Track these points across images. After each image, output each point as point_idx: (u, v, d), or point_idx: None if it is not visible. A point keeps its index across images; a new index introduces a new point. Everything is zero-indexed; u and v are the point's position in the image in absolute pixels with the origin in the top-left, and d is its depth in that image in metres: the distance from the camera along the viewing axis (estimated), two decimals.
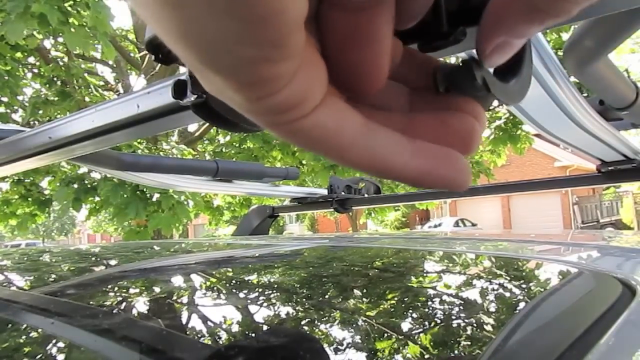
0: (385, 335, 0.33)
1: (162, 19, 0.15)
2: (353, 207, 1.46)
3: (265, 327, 0.36)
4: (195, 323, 0.38)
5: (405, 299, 0.43)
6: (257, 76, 0.16)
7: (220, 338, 0.34)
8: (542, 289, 0.47)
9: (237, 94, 0.17)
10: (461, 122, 0.21)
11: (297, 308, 0.41)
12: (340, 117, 0.18)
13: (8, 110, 5.29)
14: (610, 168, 0.97)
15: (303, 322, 0.36)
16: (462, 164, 0.21)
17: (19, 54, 4.96)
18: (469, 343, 0.31)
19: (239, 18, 0.14)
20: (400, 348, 0.31)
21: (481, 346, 0.30)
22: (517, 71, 0.23)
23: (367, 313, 0.38)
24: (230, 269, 0.65)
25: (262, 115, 0.18)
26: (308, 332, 0.34)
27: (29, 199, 5.04)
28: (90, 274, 0.63)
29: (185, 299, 0.45)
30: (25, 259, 0.83)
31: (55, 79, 5.22)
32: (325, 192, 1.46)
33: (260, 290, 0.48)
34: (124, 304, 0.43)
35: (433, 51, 0.22)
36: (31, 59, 5.49)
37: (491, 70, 0.22)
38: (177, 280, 0.56)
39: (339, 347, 0.30)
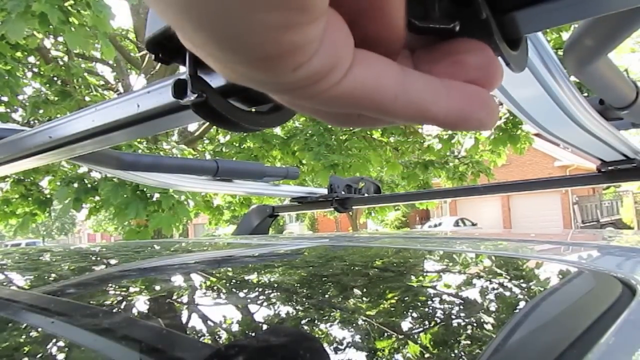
0: (385, 335, 0.33)
1: (180, 4, 0.14)
2: (353, 207, 1.46)
3: (265, 327, 0.36)
4: (196, 323, 0.38)
5: (405, 299, 0.43)
6: (286, 46, 0.15)
7: (220, 338, 0.34)
8: (542, 289, 0.47)
9: (267, 73, 0.16)
10: (477, 57, 0.21)
11: (297, 308, 0.41)
12: (377, 71, 0.18)
13: (8, 110, 5.29)
14: (610, 168, 0.97)
15: (303, 322, 0.36)
16: (492, 101, 0.20)
17: (19, 54, 4.96)
18: (469, 343, 0.31)
19: None
20: (400, 348, 0.31)
21: (481, 346, 0.30)
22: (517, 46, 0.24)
23: (367, 313, 0.38)
24: (230, 269, 0.65)
25: (300, 90, 0.17)
26: (308, 332, 0.34)
27: (29, 199, 5.04)
28: (90, 274, 0.63)
29: (185, 299, 0.45)
30: (26, 258, 0.83)
31: (55, 78, 5.22)
32: (325, 191, 1.46)
33: (260, 289, 0.48)
34: (124, 303, 0.43)
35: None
36: (31, 59, 5.48)
37: None
38: (178, 280, 0.56)
39: (339, 347, 0.30)
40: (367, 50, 0.18)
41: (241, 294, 0.47)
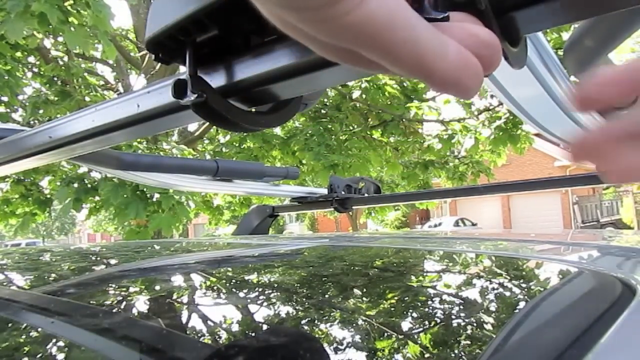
0: (385, 335, 0.33)
1: None
2: (353, 207, 1.46)
3: (265, 327, 0.36)
4: (196, 323, 0.38)
5: (405, 299, 0.43)
6: None
7: (220, 338, 0.34)
8: (542, 289, 0.47)
9: None
10: (489, 35, 0.20)
11: (297, 308, 0.41)
12: (391, 9, 0.17)
13: (8, 110, 5.29)
14: None
15: (303, 322, 0.36)
16: (482, 73, 0.20)
17: (19, 54, 4.96)
18: (469, 343, 0.31)
19: None
20: (400, 348, 0.31)
21: (481, 346, 0.30)
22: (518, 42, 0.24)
23: (367, 313, 0.38)
24: (230, 269, 0.65)
25: (315, 11, 0.16)
26: (308, 332, 0.34)
27: (29, 199, 5.04)
28: (90, 274, 0.63)
29: (185, 299, 0.45)
30: (26, 258, 0.83)
31: (55, 78, 5.22)
32: (325, 191, 1.46)
33: (260, 289, 0.48)
34: (124, 303, 0.43)
35: None
36: (31, 59, 5.48)
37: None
38: (178, 280, 0.56)
39: (339, 347, 0.30)
40: None
41: (241, 294, 0.47)
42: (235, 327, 0.36)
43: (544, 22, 0.23)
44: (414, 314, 0.38)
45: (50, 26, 3.28)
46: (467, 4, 0.21)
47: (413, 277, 0.55)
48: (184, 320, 0.39)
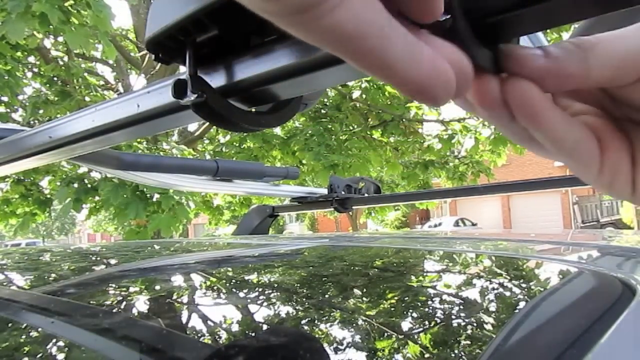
0: (385, 335, 0.33)
1: None
2: (353, 207, 1.46)
3: (265, 327, 0.36)
4: (196, 323, 0.38)
5: (405, 299, 0.43)
6: None
7: (220, 338, 0.34)
8: (542, 289, 0.47)
9: None
10: (455, 52, 0.20)
11: (297, 308, 0.41)
12: (362, 18, 0.17)
13: (8, 110, 5.29)
14: None
15: (303, 322, 0.36)
16: (453, 80, 0.20)
17: (19, 54, 4.96)
18: (469, 343, 0.31)
19: None
20: (400, 348, 0.31)
21: (481, 346, 0.30)
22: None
23: (367, 313, 0.38)
24: (230, 269, 0.65)
25: (279, 16, 0.17)
26: (308, 332, 0.34)
27: (29, 199, 5.04)
28: (90, 274, 0.63)
29: (185, 299, 0.45)
30: (26, 258, 0.83)
31: (55, 78, 5.22)
32: (325, 191, 1.46)
33: (260, 289, 0.48)
34: (124, 303, 0.43)
35: None
36: (31, 59, 5.48)
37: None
38: (178, 280, 0.56)
39: (339, 347, 0.30)
40: None
41: (241, 294, 0.47)
42: (235, 327, 0.36)
43: (543, 22, 0.23)
44: (414, 314, 0.38)
45: (51, 26, 3.28)
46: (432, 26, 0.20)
47: (413, 277, 0.55)
48: (184, 320, 0.39)
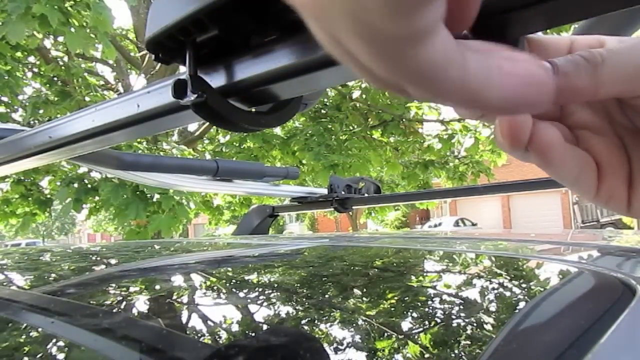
0: (385, 335, 0.33)
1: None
2: (353, 207, 1.46)
3: (265, 327, 0.36)
4: (196, 323, 0.38)
5: (405, 299, 0.43)
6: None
7: (220, 338, 0.34)
8: (542, 289, 0.47)
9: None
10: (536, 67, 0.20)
11: (297, 308, 0.41)
12: (448, 50, 0.16)
13: (8, 110, 5.28)
14: None
15: (303, 322, 0.36)
16: (549, 86, 0.19)
17: (19, 54, 4.96)
18: (469, 343, 0.31)
19: None
20: (400, 348, 0.31)
21: (481, 346, 0.30)
22: None
23: (367, 313, 0.38)
24: (230, 269, 0.65)
25: (385, 46, 0.15)
26: (308, 332, 0.34)
27: (29, 199, 5.04)
28: (90, 274, 0.63)
29: (185, 299, 0.45)
30: (26, 258, 0.83)
31: (55, 78, 5.21)
32: (325, 191, 1.46)
33: (260, 289, 0.48)
34: (124, 303, 0.43)
35: None
36: (31, 59, 5.48)
37: None
38: (178, 280, 0.56)
39: (339, 347, 0.30)
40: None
41: (241, 294, 0.47)
42: (235, 327, 0.36)
43: (543, 22, 0.23)
44: (414, 314, 0.38)
45: (51, 27, 3.28)
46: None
47: (413, 277, 0.55)
48: (184, 320, 0.39)
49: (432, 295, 0.44)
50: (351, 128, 6.45)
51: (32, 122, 4.85)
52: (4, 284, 0.60)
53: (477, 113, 0.26)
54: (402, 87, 0.18)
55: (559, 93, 0.23)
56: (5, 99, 4.88)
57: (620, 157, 0.26)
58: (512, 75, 0.18)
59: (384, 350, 0.30)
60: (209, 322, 0.38)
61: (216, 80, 0.31)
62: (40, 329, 0.37)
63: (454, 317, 0.37)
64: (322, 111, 6.36)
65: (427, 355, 0.30)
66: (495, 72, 0.18)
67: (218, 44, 0.30)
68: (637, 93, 0.24)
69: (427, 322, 0.36)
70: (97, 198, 4.46)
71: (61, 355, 0.32)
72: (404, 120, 6.38)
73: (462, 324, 0.35)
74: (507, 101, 0.18)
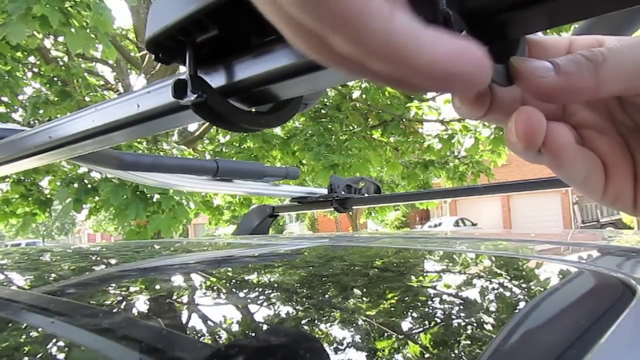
0: (385, 335, 0.33)
1: None
2: (353, 207, 1.46)
3: (265, 327, 0.36)
4: (196, 323, 0.38)
5: (405, 299, 0.43)
6: None
7: (220, 338, 0.34)
8: (542, 289, 0.47)
9: None
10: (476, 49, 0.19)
11: (297, 308, 0.41)
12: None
13: (8, 110, 5.28)
14: None
15: (303, 322, 0.36)
16: (484, 62, 0.19)
17: (19, 54, 4.96)
18: (469, 343, 0.31)
19: None
20: (400, 348, 0.31)
21: (481, 346, 0.30)
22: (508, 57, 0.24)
23: (367, 313, 0.38)
24: (230, 269, 0.65)
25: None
26: (308, 332, 0.34)
27: (29, 199, 5.04)
28: (90, 274, 0.63)
29: (185, 299, 0.45)
30: (26, 258, 0.83)
31: (55, 78, 5.22)
32: (325, 191, 1.46)
33: (260, 289, 0.48)
34: (124, 303, 0.43)
35: None
36: (31, 59, 5.48)
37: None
38: (178, 280, 0.56)
39: (339, 347, 0.30)
40: None
41: (241, 294, 0.47)
42: (235, 327, 0.36)
43: (543, 22, 0.23)
44: (414, 314, 0.38)
45: (52, 28, 3.28)
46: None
47: (413, 277, 0.55)
48: (184, 320, 0.39)
49: (432, 295, 0.44)
50: (351, 128, 6.45)
51: (32, 122, 4.85)
52: (4, 284, 0.60)
53: (479, 112, 0.26)
54: (327, 38, 0.18)
55: (562, 92, 0.23)
56: (5, 99, 4.88)
57: (624, 156, 0.26)
58: (443, 43, 0.18)
59: (384, 350, 0.30)
60: (209, 322, 0.38)
61: (216, 80, 0.31)
62: (40, 329, 0.37)
63: (454, 317, 0.37)
64: (322, 111, 6.36)
65: (427, 355, 0.30)
66: (425, 35, 0.18)
67: (218, 44, 0.30)
68: (637, 91, 0.24)
69: (427, 322, 0.36)
70: (97, 198, 4.45)
71: (61, 355, 0.32)
72: (404, 120, 6.38)
73: (462, 324, 0.35)
74: (437, 68, 0.18)
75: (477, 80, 0.19)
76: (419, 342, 0.32)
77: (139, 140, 4.28)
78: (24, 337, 0.36)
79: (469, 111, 0.26)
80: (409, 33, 0.17)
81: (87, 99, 4.83)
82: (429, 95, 6.33)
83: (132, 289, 0.50)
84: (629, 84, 0.23)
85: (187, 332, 0.35)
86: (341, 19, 0.16)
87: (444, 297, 0.44)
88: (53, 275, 0.63)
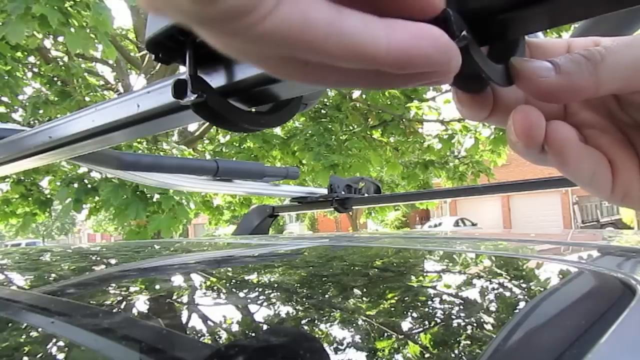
0: (385, 335, 0.33)
1: None
2: (353, 207, 1.46)
3: (265, 327, 0.36)
4: (196, 323, 0.38)
5: (405, 299, 0.43)
6: None
7: (220, 338, 0.34)
8: (542, 289, 0.47)
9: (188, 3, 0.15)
10: (441, 34, 0.19)
11: (297, 308, 0.41)
12: (305, 8, 0.16)
13: (8, 110, 5.28)
14: None
15: (303, 322, 0.36)
16: (444, 38, 0.18)
17: (19, 54, 4.96)
18: (469, 343, 0.31)
19: None
20: (400, 348, 0.31)
21: (481, 346, 0.30)
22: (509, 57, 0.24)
23: (367, 313, 0.38)
24: (230, 269, 0.65)
25: (222, 24, 0.16)
26: (308, 332, 0.34)
27: (30, 199, 5.04)
28: (90, 274, 0.63)
29: (185, 299, 0.45)
30: (26, 258, 0.83)
31: (55, 78, 5.22)
32: (325, 191, 1.46)
33: (260, 289, 0.48)
34: (124, 303, 0.43)
35: None
36: (31, 59, 5.48)
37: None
38: (178, 280, 0.56)
39: (339, 347, 0.30)
40: None
41: (241, 294, 0.47)
42: (235, 327, 0.36)
43: (542, 22, 0.23)
44: (414, 314, 0.38)
45: (51, 28, 3.28)
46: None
47: (413, 277, 0.55)
48: (184, 320, 0.39)
49: (432, 295, 0.44)
50: (351, 128, 6.45)
51: (32, 122, 4.84)
52: (4, 284, 0.60)
53: (482, 114, 0.26)
54: (291, 61, 0.18)
55: (562, 91, 0.23)
56: (5, 99, 4.88)
57: (629, 152, 0.26)
58: (396, 27, 0.18)
59: (384, 350, 0.30)
60: (209, 322, 0.38)
61: (216, 80, 0.31)
62: (40, 329, 0.37)
63: (454, 317, 0.37)
64: (322, 111, 6.36)
65: (427, 355, 0.30)
66: (378, 25, 0.18)
67: None
68: (635, 88, 0.24)
69: (427, 322, 0.36)
70: (97, 198, 4.45)
71: (61, 355, 0.32)
72: (404, 120, 6.38)
73: (462, 324, 0.35)
74: (396, 53, 0.18)
75: (442, 62, 0.19)
76: (419, 342, 0.32)
77: (139, 140, 4.28)
78: (24, 337, 0.36)
79: (471, 113, 0.26)
80: (362, 27, 0.17)
81: (87, 99, 4.83)
82: (429, 95, 6.33)
83: (132, 289, 0.50)
84: (626, 82, 0.23)
85: (187, 332, 0.35)
86: (288, 39, 0.16)
87: (444, 297, 0.44)
88: (53, 275, 0.63)
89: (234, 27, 0.16)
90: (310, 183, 6.26)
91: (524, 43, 0.26)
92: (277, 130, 6.32)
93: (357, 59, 0.18)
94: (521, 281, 0.51)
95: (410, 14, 0.19)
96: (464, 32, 0.20)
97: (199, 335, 0.34)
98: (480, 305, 0.40)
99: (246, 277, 0.57)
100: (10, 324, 0.39)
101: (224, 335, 0.35)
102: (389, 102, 6.24)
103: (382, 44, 0.18)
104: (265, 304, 0.41)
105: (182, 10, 0.15)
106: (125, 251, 0.86)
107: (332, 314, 0.38)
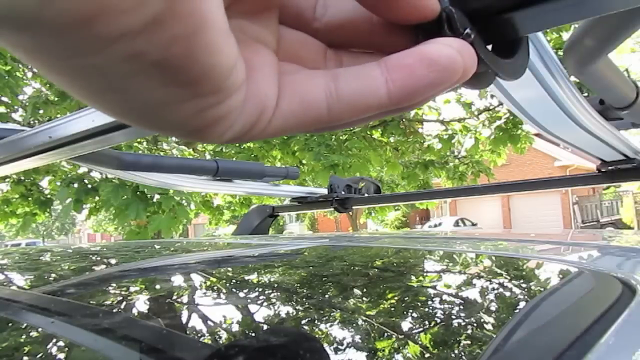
0: (385, 335, 0.33)
1: (105, 101, 0.15)
2: (353, 207, 1.46)
3: (265, 327, 0.36)
4: (196, 323, 0.38)
5: (405, 299, 0.43)
6: (209, 119, 0.15)
7: (220, 338, 0.34)
8: (542, 289, 0.47)
9: (201, 138, 0.16)
10: (446, 55, 0.18)
11: (297, 308, 0.41)
12: (303, 94, 0.17)
13: (8, 110, 5.29)
14: (610, 168, 0.97)
15: (303, 322, 0.36)
16: (444, 57, 0.18)
17: None
18: (469, 343, 0.31)
19: (176, 83, 0.13)
20: (400, 348, 0.31)
21: (481, 346, 0.30)
22: (514, 52, 0.24)
23: (367, 313, 0.38)
24: (230, 269, 0.65)
25: (237, 139, 0.17)
26: (308, 332, 0.34)
27: (30, 199, 5.04)
28: (90, 274, 0.63)
29: (185, 299, 0.45)
30: (26, 258, 0.83)
31: None
32: (325, 191, 1.46)
33: (260, 289, 0.48)
34: (124, 303, 0.43)
35: None
36: None
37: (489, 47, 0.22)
38: (178, 280, 0.56)
39: (339, 347, 0.30)
40: (287, 74, 0.17)
41: (241, 294, 0.47)
42: (235, 327, 0.36)
43: (543, 22, 0.23)
44: (414, 314, 0.38)
45: None
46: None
47: (413, 277, 0.55)
48: (184, 320, 0.39)
49: (432, 295, 0.44)
50: (351, 128, 6.45)
51: (32, 122, 4.84)
52: (4, 284, 0.60)
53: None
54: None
55: None
56: (5, 99, 4.87)
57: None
58: (395, 66, 0.18)
59: (384, 350, 0.30)
60: (209, 322, 0.38)
61: None
62: (40, 329, 0.37)
63: (454, 317, 0.37)
64: None
65: (427, 355, 0.30)
66: (374, 72, 0.18)
67: None
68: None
69: (427, 322, 0.36)
70: (97, 198, 4.45)
71: (61, 355, 0.32)
72: (404, 120, 6.39)
73: (462, 324, 0.35)
74: (400, 93, 0.18)
75: (448, 78, 0.19)
76: (419, 342, 0.32)
77: (139, 140, 4.28)
78: (24, 337, 0.36)
79: None
80: (358, 84, 0.18)
81: None
82: None
83: (132, 289, 0.50)
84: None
85: (187, 332, 0.35)
86: (294, 128, 0.17)
87: (444, 297, 0.44)
88: (53, 275, 0.63)
89: (247, 138, 0.17)
90: (310, 183, 6.26)
91: (527, 38, 0.26)
92: None
93: (364, 114, 0.18)
94: (521, 281, 0.51)
95: (409, 20, 0.19)
96: (468, 30, 0.20)
97: (199, 335, 0.34)
98: (480, 305, 0.40)
99: (246, 277, 0.57)
100: (10, 324, 0.39)
101: (224, 335, 0.35)
102: None
103: (382, 92, 0.18)
104: (265, 304, 0.41)
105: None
106: (125, 251, 0.86)
107: (332, 314, 0.38)
